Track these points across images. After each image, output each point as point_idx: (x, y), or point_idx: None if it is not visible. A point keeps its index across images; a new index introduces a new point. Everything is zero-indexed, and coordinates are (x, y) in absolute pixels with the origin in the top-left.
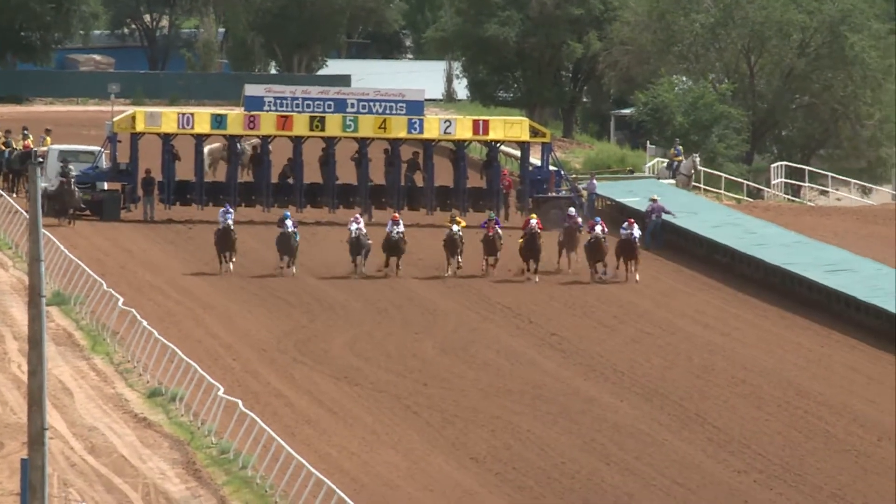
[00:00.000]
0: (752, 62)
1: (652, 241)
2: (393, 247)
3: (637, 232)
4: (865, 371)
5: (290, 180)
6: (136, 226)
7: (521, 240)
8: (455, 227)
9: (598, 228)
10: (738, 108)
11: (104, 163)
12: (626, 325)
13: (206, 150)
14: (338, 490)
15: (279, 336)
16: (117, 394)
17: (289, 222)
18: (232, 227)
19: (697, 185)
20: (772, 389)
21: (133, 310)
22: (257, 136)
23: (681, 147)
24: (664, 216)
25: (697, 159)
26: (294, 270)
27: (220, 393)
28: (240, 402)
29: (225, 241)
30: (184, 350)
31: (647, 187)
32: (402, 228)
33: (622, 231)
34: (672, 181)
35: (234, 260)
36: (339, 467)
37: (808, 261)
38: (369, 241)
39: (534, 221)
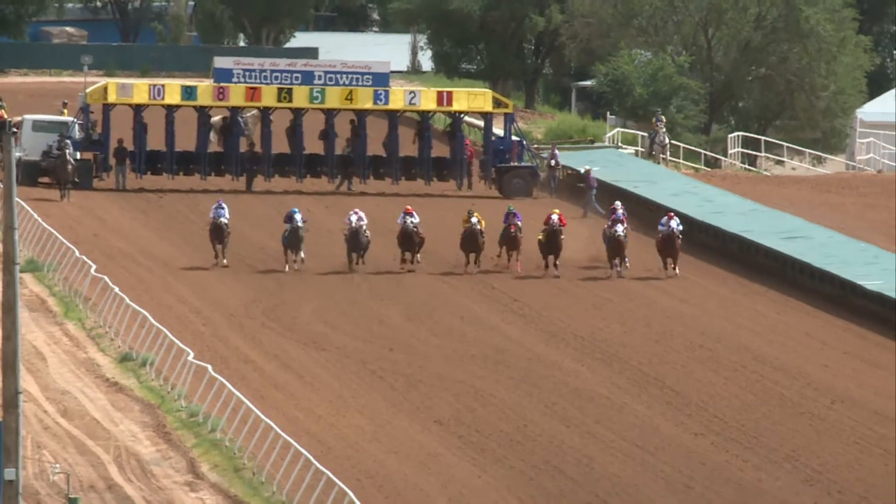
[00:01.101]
0: (710, 35)
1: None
2: (408, 240)
3: (677, 226)
4: (819, 336)
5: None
6: (108, 195)
7: (540, 235)
8: (473, 220)
9: (620, 228)
10: (696, 80)
11: (77, 133)
12: (587, 291)
13: (211, 121)
14: (305, 452)
15: (248, 303)
16: (89, 358)
17: (298, 217)
18: (224, 222)
19: (661, 154)
20: (729, 354)
21: (105, 277)
22: (227, 108)
23: (663, 118)
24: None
25: (663, 127)
26: (303, 263)
27: (190, 358)
28: (209, 367)
29: (218, 236)
30: (155, 316)
31: (608, 157)
32: (417, 220)
33: (661, 227)
34: (655, 152)
35: (225, 253)
36: (306, 430)
37: (764, 229)
38: (368, 235)
39: (555, 217)
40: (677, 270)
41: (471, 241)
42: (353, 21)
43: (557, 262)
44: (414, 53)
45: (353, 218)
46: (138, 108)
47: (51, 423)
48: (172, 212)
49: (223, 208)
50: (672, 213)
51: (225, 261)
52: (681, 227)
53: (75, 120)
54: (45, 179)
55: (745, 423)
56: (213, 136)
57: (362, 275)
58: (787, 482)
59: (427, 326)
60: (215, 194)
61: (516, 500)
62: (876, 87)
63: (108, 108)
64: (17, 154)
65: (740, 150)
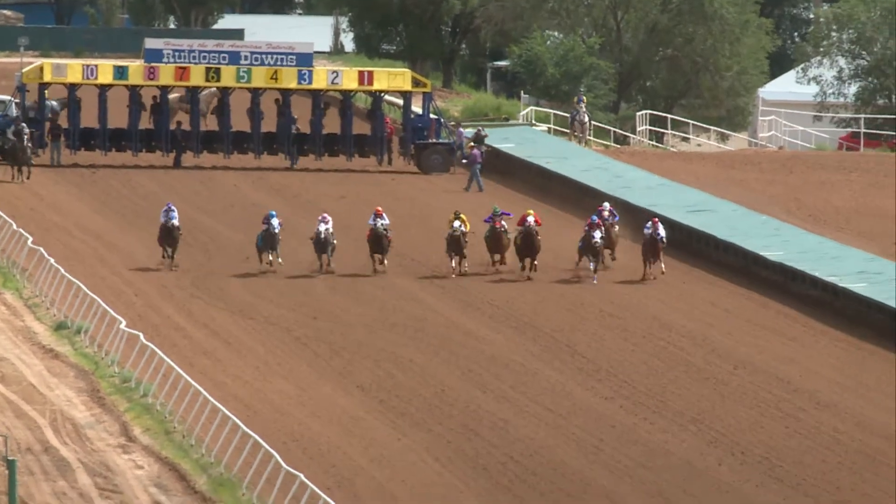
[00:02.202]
0: (619, 17)
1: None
2: (377, 242)
3: (662, 231)
4: (723, 305)
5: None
6: (44, 170)
7: (516, 236)
8: (457, 224)
9: (654, 230)
10: (606, 61)
11: (14, 111)
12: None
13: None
14: (232, 416)
15: (178, 273)
16: (26, 326)
17: (275, 221)
18: (174, 225)
19: (565, 130)
20: (637, 322)
21: (41, 249)
22: (157, 87)
23: (584, 98)
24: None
25: (584, 107)
26: (279, 262)
27: (123, 326)
28: (141, 335)
29: (167, 239)
30: (88, 286)
31: (522, 134)
32: (386, 221)
33: (646, 230)
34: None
35: (174, 255)
36: (233, 395)
37: (671, 202)
38: (335, 241)
39: (531, 218)
40: (664, 269)
41: (455, 245)
42: (277, 4)
43: (535, 263)
44: (336, 35)
45: (322, 227)
46: (72, 88)
47: None
48: (105, 187)
49: (173, 211)
50: (657, 219)
51: (175, 263)
52: (664, 234)
53: (12, 99)
54: None
55: (652, 387)
56: (170, 112)
57: (288, 247)
58: (692, 444)
59: (350, 297)
60: (146, 170)
61: (435, 461)
62: (777, 67)
63: (43, 87)
64: None
65: (648, 127)
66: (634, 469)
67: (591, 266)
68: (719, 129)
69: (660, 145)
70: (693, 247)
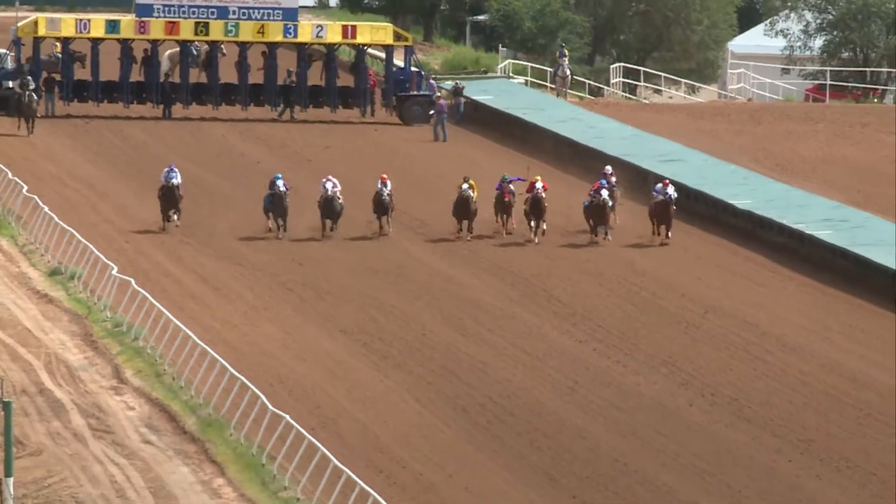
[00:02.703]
0: None
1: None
2: (383, 206)
3: (673, 192)
4: (694, 251)
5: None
6: (38, 121)
7: (525, 200)
8: (465, 186)
9: (605, 192)
10: (581, 15)
11: (10, 64)
12: (483, 212)
13: (165, 55)
14: (220, 359)
15: (169, 222)
16: (21, 272)
17: (280, 183)
18: (177, 185)
19: (542, 83)
20: (611, 268)
21: (36, 197)
22: (147, 41)
23: (566, 52)
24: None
25: (567, 61)
26: (286, 232)
27: (115, 272)
28: (132, 281)
29: (169, 199)
30: (81, 233)
31: (500, 86)
32: (389, 189)
33: (655, 192)
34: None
35: (178, 217)
36: (221, 338)
37: (644, 152)
38: (342, 203)
39: (539, 184)
40: (670, 235)
41: (462, 208)
42: None
43: (544, 228)
44: None
45: (329, 185)
46: (66, 41)
47: None
48: (98, 137)
49: (175, 172)
50: (667, 181)
51: (177, 221)
52: (675, 195)
53: (8, 52)
54: None
55: (625, 331)
56: (168, 67)
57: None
58: (663, 385)
59: (333, 243)
60: (137, 121)
61: (416, 402)
62: (746, 21)
63: (38, 41)
64: None
65: (621, 79)
66: (608, 409)
67: (600, 228)
68: (690, 82)
69: (632, 97)
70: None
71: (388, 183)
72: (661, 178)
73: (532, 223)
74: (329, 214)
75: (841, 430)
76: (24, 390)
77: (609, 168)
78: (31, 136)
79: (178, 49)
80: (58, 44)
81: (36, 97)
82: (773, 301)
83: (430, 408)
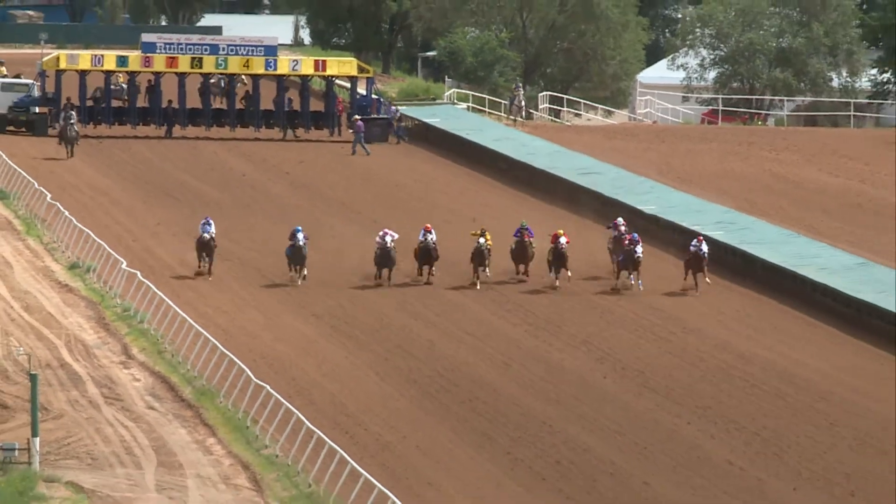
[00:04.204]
0: (524, 17)
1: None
2: (427, 255)
3: (705, 248)
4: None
5: (175, 105)
6: (53, 139)
7: (549, 252)
8: (482, 240)
9: (639, 248)
10: (514, 52)
11: (36, 92)
12: (426, 212)
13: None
14: (212, 339)
15: (169, 224)
16: (46, 266)
17: (300, 236)
18: (212, 236)
19: (482, 108)
20: (536, 263)
21: (58, 203)
22: (151, 73)
23: (521, 85)
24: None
25: (523, 92)
26: (304, 278)
27: (124, 266)
28: (138, 273)
29: (205, 249)
30: (96, 233)
31: (446, 111)
32: (434, 237)
33: (692, 246)
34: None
35: (211, 268)
36: (213, 322)
37: (566, 166)
38: (395, 254)
39: (563, 239)
40: (702, 283)
41: (478, 257)
42: (249, 4)
43: (569, 275)
44: (296, 30)
45: (388, 239)
46: (83, 73)
47: (16, 316)
48: (110, 154)
49: (210, 224)
50: (702, 237)
51: (210, 274)
52: (707, 249)
53: (34, 83)
54: (11, 128)
55: (551, 315)
56: (214, 90)
57: (256, 202)
58: (583, 361)
59: (311, 244)
60: (143, 140)
61: (375, 375)
62: (652, 56)
63: (59, 73)
64: None
65: (548, 105)
66: (537, 382)
67: (632, 279)
68: (605, 107)
69: (557, 120)
70: (583, 201)
71: (433, 231)
72: (685, 229)
73: (553, 272)
74: (385, 264)
75: (731, 399)
76: (48, 364)
77: (620, 219)
78: (70, 159)
79: (217, 79)
80: (122, 75)
81: (76, 129)
82: (675, 290)
83: (387, 380)
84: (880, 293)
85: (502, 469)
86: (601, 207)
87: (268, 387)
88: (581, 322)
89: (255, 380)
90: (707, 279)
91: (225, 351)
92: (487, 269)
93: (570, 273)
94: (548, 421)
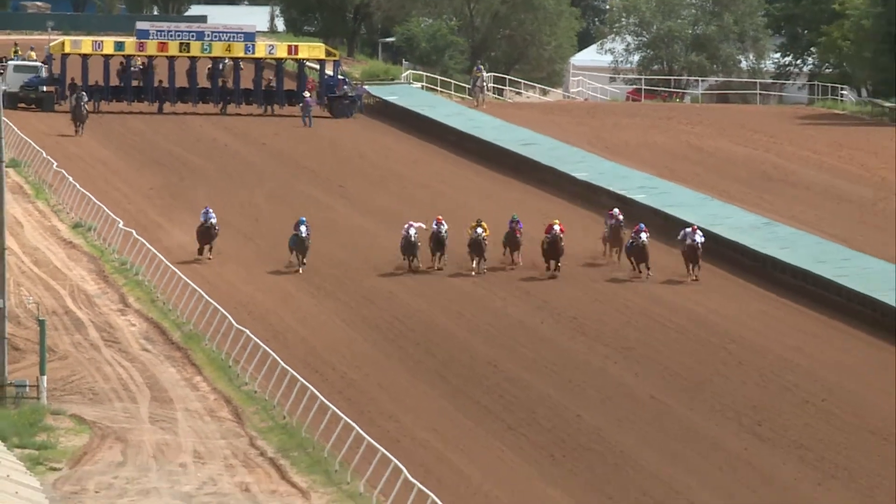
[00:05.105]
0: (472, 7)
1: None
2: (439, 243)
3: (700, 238)
4: (545, 210)
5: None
6: (64, 116)
7: (543, 241)
8: (479, 230)
9: (644, 236)
10: (462, 38)
11: (44, 73)
12: (389, 183)
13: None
14: (199, 289)
15: (159, 187)
16: (52, 226)
17: (303, 228)
18: (213, 223)
19: (435, 88)
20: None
21: (63, 171)
22: (144, 57)
23: (482, 67)
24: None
25: (485, 74)
26: (304, 265)
27: (121, 225)
28: (133, 231)
29: (206, 236)
30: (96, 196)
31: (403, 90)
32: (446, 227)
33: (686, 237)
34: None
35: (211, 251)
36: (199, 274)
37: (509, 138)
38: (419, 244)
39: (557, 227)
40: (698, 275)
41: (476, 247)
42: None
43: (559, 265)
44: (272, 19)
45: (412, 231)
46: (85, 57)
47: (26, 269)
48: (109, 128)
49: (211, 213)
50: (696, 227)
51: (210, 255)
52: (702, 240)
53: (43, 64)
54: (22, 105)
55: (499, 270)
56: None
57: (237, 171)
58: (524, 308)
59: (283, 205)
60: (138, 115)
61: (342, 322)
62: (583, 42)
63: (65, 56)
64: (2, 87)
65: (493, 85)
66: (484, 327)
67: (638, 268)
68: (542, 87)
69: (501, 98)
70: (522, 170)
71: (444, 223)
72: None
73: (550, 261)
74: (410, 252)
75: (653, 341)
76: (54, 312)
77: (616, 210)
78: (81, 135)
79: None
80: (141, 58)
81: (87, 109)
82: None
83: (353, 326)
84: (783, 249)
85: (453, 403)
86: (537, 174)
87: (247, 331)
88: (520, 272)
89: (236, 325)
90: (698, 270)
91: (210, 300)
92: (485, 259)
93: (560, 264)
94: (492, 361)
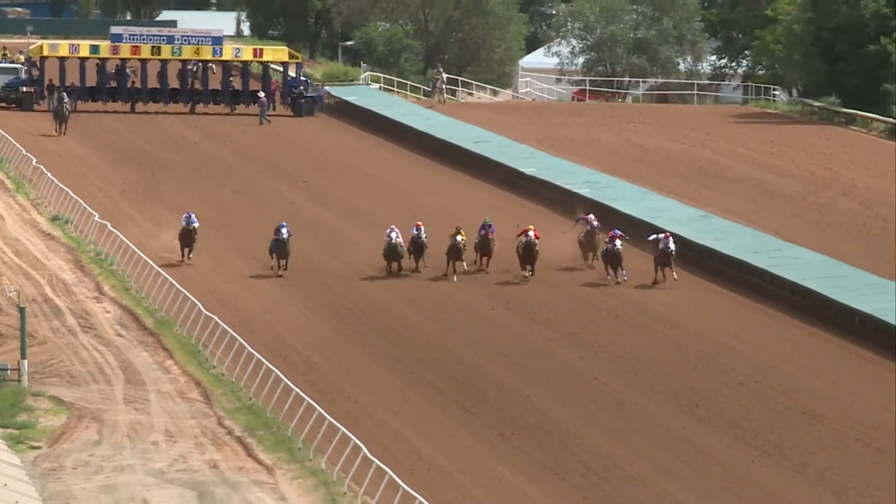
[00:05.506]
0: (426, 13)
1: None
2: (418, 248)
3: (672, 245)
4: (491, 203)
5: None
6: (43, 115)
7: (518, 246)
8: (458, 238)
9: (618, 242)
10: (418, 42)
11: (23, 75)
12: (348, 177)
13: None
14: (170, 278)
15: (133, 182)
16: (32, 219)
17: (284, 231)
18: (195, 228)
19: (392, 88)
20: (441, 218)
21: (42, 167)
22: (118, 59)
23: (441, 69)
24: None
25: (444, 76)
26: (285, 269)
27: (96, 218)
28: (108, 224)
29: (187, 240)
30: (73, 190)
31: (362, 91)
32: (424, 233)
33: (660, 243)
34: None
35: (191, 254)
36: (170, 264)
37: (462, 136)
38: (403, 249)
39: (531, 233)
40: (675, 275)
41: (454, 253)
42: (199, 2)
43: (533, 270)
44: (238, 24)
45: (393, 235)
46: (62, 59)
47: (7, 260)
48: (85, 126)
49: (193, 218)
50: (668, 234)
51: (191, 258)
52: (674, 248)
53: (23, 66)
54: (2, 105)
55: (440, 257)
56: (189, 76)
57: (206, 167)
58: (475, 295)
59: (247, 198)
60: (112, 114)
61: (304, 307)
62: (531, 45)
63: (43, 59)
64: None
65: (446, 86)
66: (438, 313)
67: (614, 272)
68: (493, 87)
69: (453, 98)
70: (476, 165)
71: (423, 228)
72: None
73: (525, 265)
74: (394, 258)
75: (596, 326)
76: (34, 299)
77: (592, 215)
78: (63, 135)
79: (192, 64)
80: (136, 63)
81: (69, 109)
82: (552, 236)
83: (314, 311)
84: (719, 240)
85: (408, 385)
86: (490, 169)
87: (215, 317)
88: (521, 289)
89: (205, 312)
90: (674, 275)
91: (180, 288)
92: (465, 264)
93: (534, 270)
94: (446, 345)
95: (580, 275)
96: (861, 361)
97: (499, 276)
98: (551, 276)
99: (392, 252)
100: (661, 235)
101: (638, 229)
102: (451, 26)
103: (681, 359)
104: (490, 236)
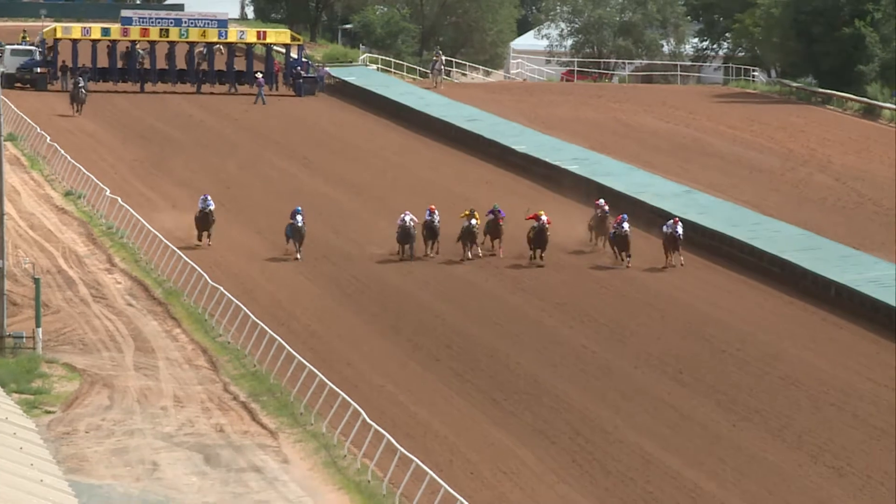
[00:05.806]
0: None
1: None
2: (432, 232)
3: (680, 229)
4: (485, 177)
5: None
6: (57, 94)
7: (530, 230)
8: (473, 221)
9: (626, 226)
10: (414, 24)
11: (37, 56)
12: (347, 154)
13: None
14: (178, 251)
15: (142, 158)
16: (46, 194)
17: (299, 217)
18: (211, 210)
19: (389, 69)
20: (436, 193)
21: (56, 144)
22: (128, 41)
23: (440, 51)
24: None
25: (443, 58)
26: (301, 255)
27: (108, 193)
28: (119, 199)
29: (204, 222)
30: (85, 166)
31: (361, 71)
32: (438, 217)
33: (666, 228)
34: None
35: (210, 238)
36: (178, 238)
37: (456, 115)
38: (415, 232)
39: (544, 217)
40: (682, 259)
41: (468, 236)
42: None
43: (543, 255)
44: (242, 7)
45: (407, 218)
46: (75, 41)
47: (23, 233)
48: (97, 105)
49: (209, 200)
50: (677, 219)
51: (209, 242)
52: (682, 231)
53: (37, 48)
54: (18, 85)
55: (446, 237)
56: (198, 58)
57: (212, 143)
58: (469, 268)
59: (251, 173)
60: (122, 94)
61: (305, 278)
62: (522, 28)
63: (56, 41)
64: (0, 69)
65: (442, 66)
66: (434, 284)
67: (621, 254)
68: (486, 68)
69: (448, 78)
70: (469, 143)
71: (436, 212)
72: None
73: (535, 249)
74: (406, 240)
75: (584, 296)
76: (48, 271)
77: (602, 200)
78: (79, 115)
79: (202, 47)
80: (146, 44)
81: (85, 91)
82: (543, 209)
83: (315, 282)
84: (701, 214)
85: (405, 352)
86: (481, 146)
87: (221, 288)
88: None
89: (211, 282)
90: (682, 259)
91: (188, 260)
92: (479, 249)
93: (544, 254)
94: (440, 315)
95: (571, 249)
96: (837, 329)
97: (506, 258)
98: (552, 256)
99: (405, 235)
100: (671, 221)
101: (623, 202)
102: (445, 10)
103: (665, 327)
104: (500, 222)
